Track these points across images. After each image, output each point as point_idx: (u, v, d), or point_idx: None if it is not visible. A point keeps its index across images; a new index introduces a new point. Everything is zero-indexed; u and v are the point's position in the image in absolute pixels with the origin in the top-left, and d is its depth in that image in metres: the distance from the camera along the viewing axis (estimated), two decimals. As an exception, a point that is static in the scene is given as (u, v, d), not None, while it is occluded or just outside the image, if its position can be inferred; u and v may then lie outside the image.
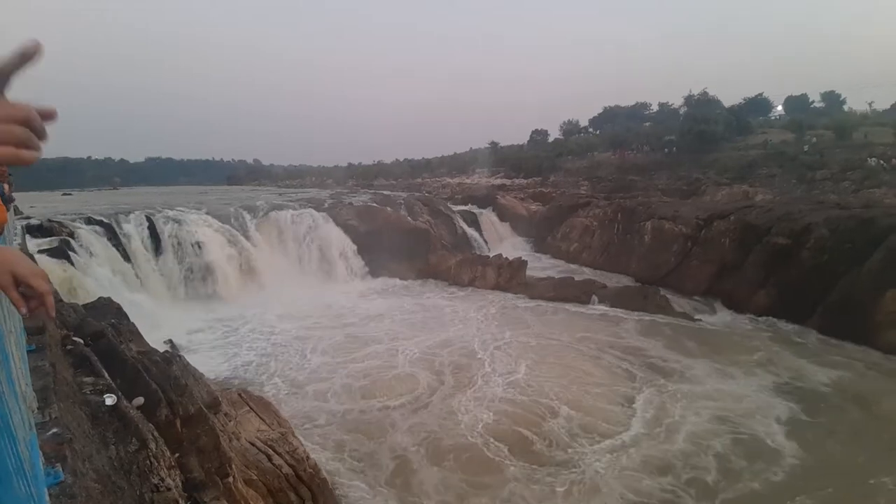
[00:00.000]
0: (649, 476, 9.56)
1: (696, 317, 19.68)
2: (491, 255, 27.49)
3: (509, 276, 24.81)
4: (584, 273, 27.53)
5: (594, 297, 21.78)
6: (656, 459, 10.07)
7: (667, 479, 9.47)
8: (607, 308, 20.85)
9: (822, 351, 15.94)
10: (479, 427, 11.32)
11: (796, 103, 62.17)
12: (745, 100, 55.66)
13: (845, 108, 55.58)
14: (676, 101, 62.38)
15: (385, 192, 43.38)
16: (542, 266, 29.85)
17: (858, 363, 14.87)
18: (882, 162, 27.72)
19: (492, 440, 10.76)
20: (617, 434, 11.03)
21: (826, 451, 10.33)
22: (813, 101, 63.02)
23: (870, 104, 47.79)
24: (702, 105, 49.03)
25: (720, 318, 19.99)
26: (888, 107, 47.12)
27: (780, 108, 60.86)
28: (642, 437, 10.89)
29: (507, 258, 25.92)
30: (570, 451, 10.36)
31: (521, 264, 25.27)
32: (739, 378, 13.85)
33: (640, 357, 15.54)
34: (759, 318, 19.28)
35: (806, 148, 33.66)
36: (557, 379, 13.80)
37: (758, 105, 57.60)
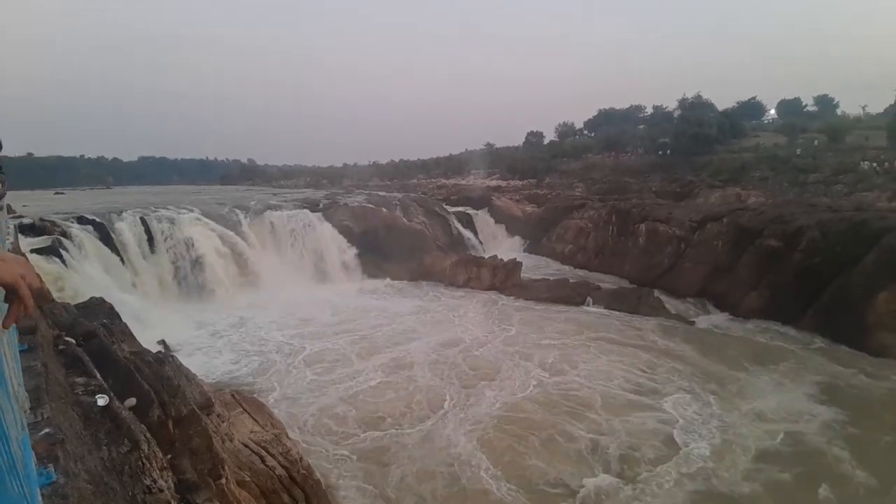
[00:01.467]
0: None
1: (691, 318, 19.79)
2: (486, 257, 27.53)
3: (504, 278, 24.85)
4: (579, 274, 27.66)
5: (589, 299, 21.87)
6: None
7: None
8: (602, 309, 20.95)
9: (855, 361, 15.40)
10: (497, 468, 9.77)
11: (789, 107, 62.65)
12: (738, 103, 56.13)
13: (838, 111, 56.00)
14: (671, 103, 62.74)
15: (380, 193, 43.27)
16: (536, 267, 29.93)
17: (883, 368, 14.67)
18: (875, 165, 27.94)
19: (514, 489, 9.21)
20: (669, 461, 9.90)
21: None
22: (806, 105, 63.53)
23: (863, 108, 48.13)
24: (695, 108, 49.34)
25: (714, 319, 20.10)
26: (882, 110, 47.33)
27: (772, 111, 61.31)
28: (706, 472, 9.58)
29: (502, 259, 25.97)
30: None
31: (515, 266, 25.32)
32: (785, 388, 13.39)
33: (662, 361, 15.09)
34: (754, 321, 19.36)
35: (798, 151, 33.94)
36: (582, 391, 13.02)
37: (751, 108, 58.08)
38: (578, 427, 11.32)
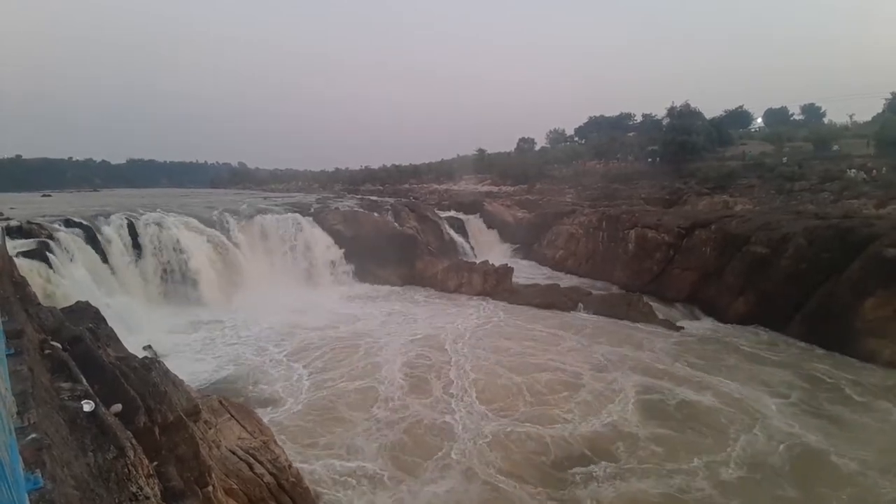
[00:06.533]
0: None
1: (680, 324, 19.96)
2: (477, 262, 27.57)
3: (496, 283, 24.91)
4: (570, 280, 27.78)
5: (580, 305, 21.99)
6: None
7: None
8: (593, 315, 21.06)
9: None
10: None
11: (776, 115, 63.64)
12: (725, 112, 56.85)
13: (825, 120, 56.92)
14: (660, 111, 63.47)
15: (372, 198, 43.35)
16: (527, 273, 30.02)
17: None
18: (862, 173, 28.39)
19: None
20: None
21: None
22: (793, 114, 64.57)
23: (850, 116, 48.87)
24: (684, 116, 49.90)
25: (702, 325, 20.31)
26: (870, 118, 47.96)
27: (759, 120, 62.22)
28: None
29: (493, 265, 26.03)
30: None
31: (507, 271, 25.39)
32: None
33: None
34: (742, 326, 19.55)
35: (785, 159, 34.41)
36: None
37: (738, 117, 58.84)
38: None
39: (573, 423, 11.90)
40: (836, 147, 35.21)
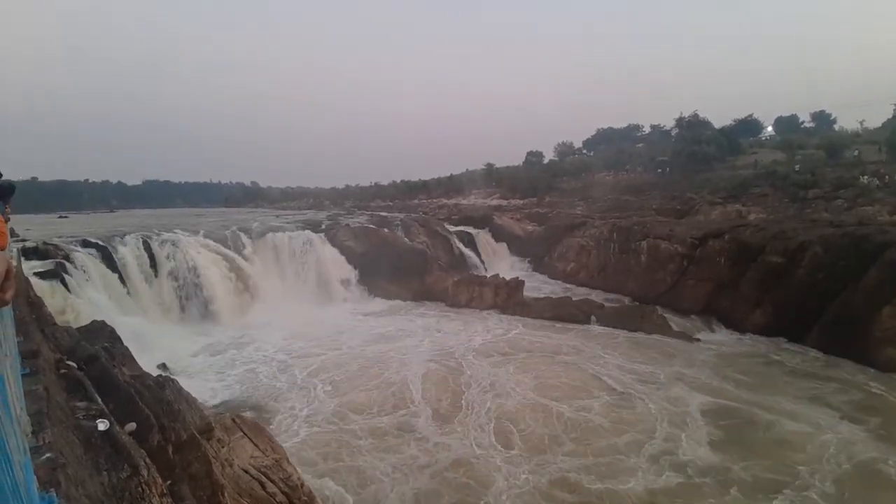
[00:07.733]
0: None
1: (696, 336, 19.63)
2: (488, 276, 27.49)
3: (507, 297, 24.77)
4: (582, 293, 27.54)
5: (592, 317, 21.76)
6: None
7: None
8: (607, 328, 20.80)
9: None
10: None
11: (787, 123, 63.18)
12: (735, 121, 56.55)
13: (836, 127, 56.42)
14: (669, 122, 63.42)
15: (382, 214, 43.66)
16: (538, 286, 29.83)
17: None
18: (875, 179, 28.06)
19: None
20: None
21: None
22: (803, 122, 64.10)
23: (861, 122, 48.35)
24: (693, 127, 49.80)
25: (721, 337, 19.93)
26: (880, 125, 47.33)
27: (770, 128, 61.79)
28: None
29: (504, 278, 25.92)
30: None
31: (518, 284, 25.26)
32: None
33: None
34: (759, 337, 19.19)
35: (797, 167, 34.07)
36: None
37: (748, 126, 58.46)
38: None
39: (640, 461, 10.47)
40: (856, 152, 34.79)
